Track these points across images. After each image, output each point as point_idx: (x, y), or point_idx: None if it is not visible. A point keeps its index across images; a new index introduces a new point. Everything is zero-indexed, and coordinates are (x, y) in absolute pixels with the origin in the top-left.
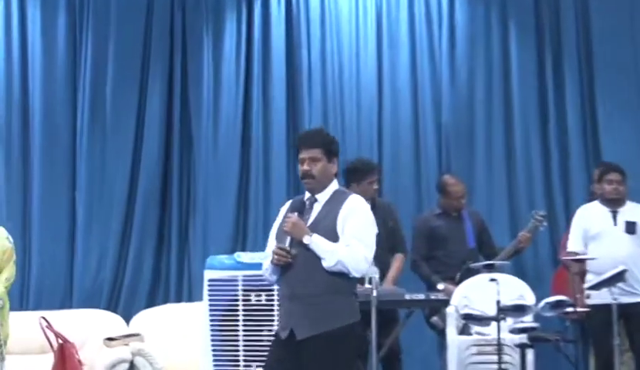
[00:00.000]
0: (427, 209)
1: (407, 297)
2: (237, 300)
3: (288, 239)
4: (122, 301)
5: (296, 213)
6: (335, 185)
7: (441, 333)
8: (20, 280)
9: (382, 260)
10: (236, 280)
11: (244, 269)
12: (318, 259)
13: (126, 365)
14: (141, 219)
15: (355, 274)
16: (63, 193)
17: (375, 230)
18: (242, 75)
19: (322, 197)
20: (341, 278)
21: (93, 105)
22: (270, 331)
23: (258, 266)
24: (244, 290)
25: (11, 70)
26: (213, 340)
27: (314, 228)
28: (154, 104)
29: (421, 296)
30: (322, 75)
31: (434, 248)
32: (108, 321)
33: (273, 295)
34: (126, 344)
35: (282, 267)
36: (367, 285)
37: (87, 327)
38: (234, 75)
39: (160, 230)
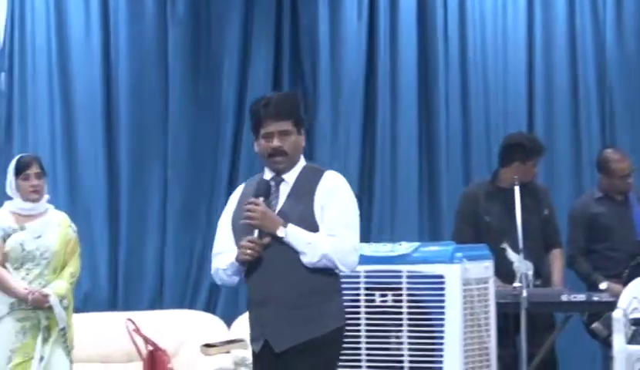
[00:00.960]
0: (586, 192)
1: (563, 298)
2: (358, 300)
3: (256, 232)
4: (223, 301)
5: (262, 199)
6: (302, 161)
7: (605, 342)
8: (106, 276)
9: (536, 255)
10: (357, 277)
11: (367, 263)
12: (295, 253)
13: None
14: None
15: (344, 268)
16: (154, 173)
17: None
18: (365, 31)
19: (290, 177)
20: (324, 275)
21: (186, 72)
22: (398, 337)
23: (384, 260)
24: (367, 289)
25: (93, 34)
26: None
27: (285, 216)
28: (258, 69)
29: (580, 297)
30: (460, 30)
31: (595, 240)
32: (206, 324)
33: (401, 295)
34: (228, 352)
35: (248, 266)
36: (517, 284)
37: (181, 331)
38: (355, 32)
39: None
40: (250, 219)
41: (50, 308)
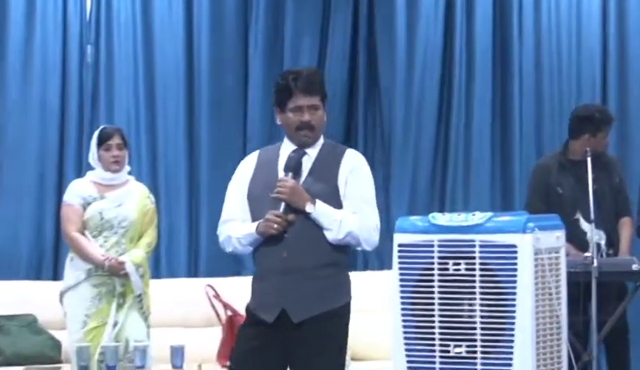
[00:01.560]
0: None
1: (634, 267)
2: (432, 268)
3: (282, 205)
4: None
5: (291, 174)
6: (322, 137)
7: None
8: (186, 243)
9: (609, 225)
10: (431, 246)
11: (440, 232)
12: (319, 228)
13: None
14: None
15: (367, 246)
16: (234, 147)
17: None
18: (442, 7)
19: (312, 152)
20: (341, 250)
21: (266, 49)
22: (471, 305)
23: (458, 229)
24: (441, 258)
25: (176, 9)
26: (404, 314)
27: (309, 191)
28: (336, 46)
29: None
30: (535, 8)
31: None
32: None
33: (474, 264)
34: None
35: (268, 237)
36: (588, 253)
37: None
38: (432, 3)
39: None
40: (280, 193)
41: (126, 275)
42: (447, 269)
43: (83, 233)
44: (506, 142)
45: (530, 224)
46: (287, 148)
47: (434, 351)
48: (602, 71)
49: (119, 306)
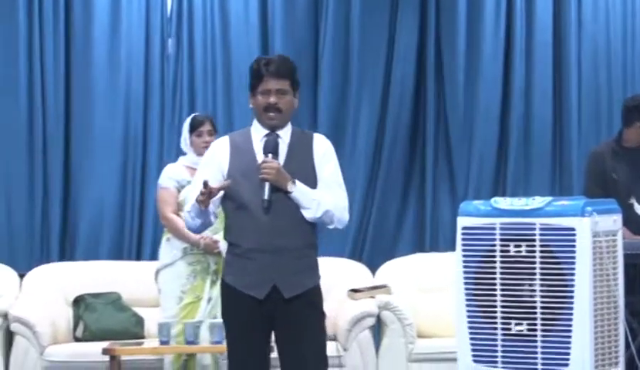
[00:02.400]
0: None
1: None
2: (494, 250)
3: (266, 186)
4: (367, 249)
5: (271, 156)
6: (289, 123)
7: None
8: None
9: None
10: (493, 229)
11: (501, 216)
12: (297, 207)
13: (373, 320)
14: (388, 163)
15: (339, 225)
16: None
17: None
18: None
19: (284, 135)
20: (314, 230)
21: (337, 35)
22: (531, 285)
23: (519, 213)
24: (502, 240)
25: (251, 6)
26: (467, 294)
27: (290, 172)
28: (403, 44)
29: None
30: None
31: None
32: (353, 271)
33: (534, 246)
34: (372, 297)
35: (249, 219)
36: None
37: (331, 276)
38: (493, 4)
39: (409, 174)
40: (266, 174)
41: (219, 254)
42: (509, 251)
43: (178, 214)
44: (564, 131)
45: (589, 208)
46: (257, 131)
47: (496, 328)
48: None
49: (213, 283)
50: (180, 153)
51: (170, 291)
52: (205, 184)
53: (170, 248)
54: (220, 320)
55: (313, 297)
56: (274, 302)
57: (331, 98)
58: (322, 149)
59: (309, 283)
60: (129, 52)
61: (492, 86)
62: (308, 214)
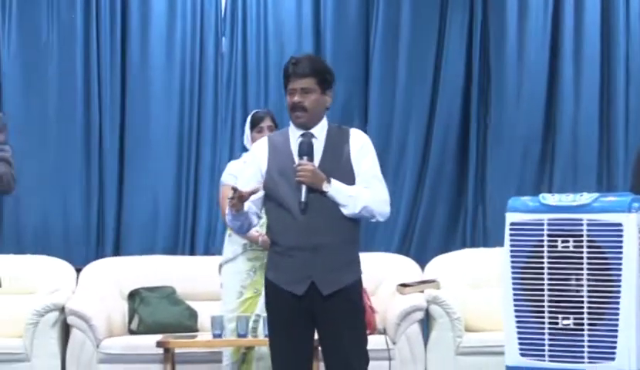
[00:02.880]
0: None
1: None
2: (542, 246)
3: (303, 188)
4: (416, 245)
5: (306, 158)
6: (325, 120)
7: None
8: None
9: None
10: (541, 224)
11: (549, 212)
12: (335, 205)
13: (421, 314)
14: (438, 157)
15: (380, 218)
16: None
17: None
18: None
19: (319, 134)
20: (355, 226)
21: (387, 37)
22: (578, 280)
23: (566, 209)
24: (550, 236)
25: (301, 9)
26: (515, 289)
27: (325, 171)
28: (453, 37)
29: None
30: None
31: None
32: (402, 266)
33: (582, 242)
34: (421, 292)
35: (287, 219)
36: None
37: (380, 271)
38: (541, 8)
39: (457, 170)
40: (302, 177)
41: None
42: (556, 246)
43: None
44: (611, 128)
45: (635, 204)
46: (293, 131)
47: (543, 323)
48: None
49: None
50: (233, 150)
51: (232, 286)
52: (234, 189)
53: (231, 244)
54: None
55: (352, 293)
56: (313, 299)
57: (381, 96)
58: (359, 143)
59: (348, 279)
60: (183, 51)
61: (539, 84)
62: (347, 211)
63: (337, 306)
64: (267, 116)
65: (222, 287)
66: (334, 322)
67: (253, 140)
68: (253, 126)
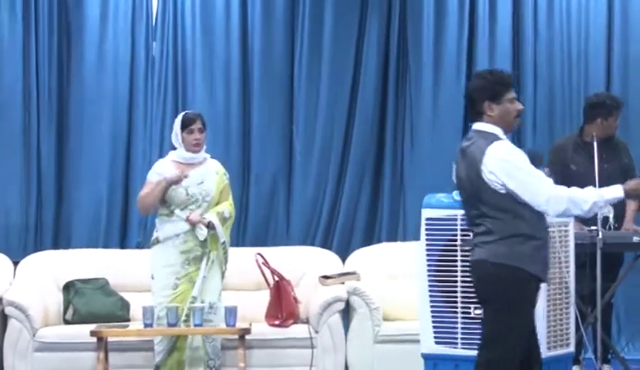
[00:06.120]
0: None
1: (635, 239)
2: (455, 239)
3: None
4: (338, 239)
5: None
6: None
7: None
8: (237, 216)
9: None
10: (454, 220)
11: (462, 208)
12: None
13: (342, 304)
14: (358, 156)
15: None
16: (280, 128)
17: None
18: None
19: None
20: None
21: (311, 39)
22: None
23: None
24: (463, 230)
25: (230, 4)
26: (430, 281)
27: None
28: (372, 36)
29: None
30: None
31: None
32: (324, 259)
33: None
34: (342, 283)
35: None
36: (594, 227)
37: (304, 263)
38: (457, 13)
39: (376, 167)
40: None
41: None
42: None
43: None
44: (520, 129)
45: None
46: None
47: (456, 312)
48: (607, 63)
49: (208, 260)
50: (163, 148)
51: (165, 278)
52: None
53: (161, 223)
54: (200, 304)
55: None
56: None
57: (307, 97)
58: None
59: None
60: (115, 55)
61: (454, 95)
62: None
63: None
64: (197, 118)
65: (153, 278)
66: None
67: (183, 140)
68: (183, 126)
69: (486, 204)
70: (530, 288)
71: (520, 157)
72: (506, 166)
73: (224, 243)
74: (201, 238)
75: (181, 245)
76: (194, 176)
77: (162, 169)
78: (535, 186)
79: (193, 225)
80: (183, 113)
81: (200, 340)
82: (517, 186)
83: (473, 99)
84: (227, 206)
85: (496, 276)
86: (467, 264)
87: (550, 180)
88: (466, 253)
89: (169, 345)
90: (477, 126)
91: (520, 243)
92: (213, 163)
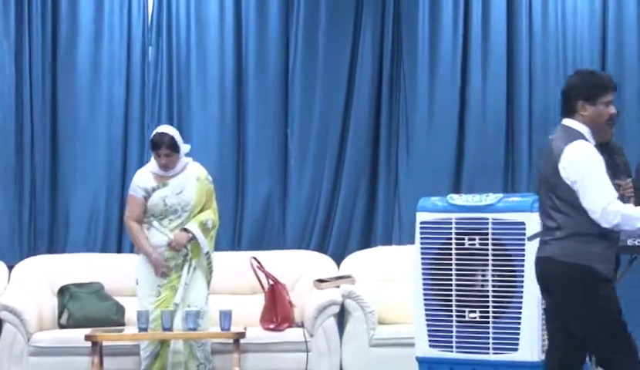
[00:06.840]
0: None
1: (629, 242)
2: (450, 243)
3: None
4: (333, 243)
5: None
6: None
7: None
8: (232, 220)
9: None
10: (449, 223)
11: (457, 211)
12: None
13: (337, 308)
14: (353, 160)
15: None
16: (275, 132)
17: None
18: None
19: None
20: None
21: (306, 43)
22: (484, 276)
23: (473, 208)
24: (458, 233)
25: (224, 10)
26: (424, 284)
27: None
28: (367, 41)
29: None
30: (543, 12)
31: None
32: (319, 263)
33: (487, 239)
34: (337, 287)
35: None
36: None
37: (298, 268)
38: (451, 16)
39: (371, 172)
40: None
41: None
42: (463, 244)
43: (142, 222)
44: (515, 133)
45: (537, 204)
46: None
47: (451, 316)
48: (601, 68)
49: (190, 267)
50: None
51: (148, 285)
52: None
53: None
54: (194, 308)
55: None
56: None
57: (302, 100)
58: None
59: None
60: (111, 59)
61: (450, 95)
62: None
63: None
64: (163, 145)
65: (138, 283)
66: None
67: (154, 158)
68: (152, 148)
69: (560, 198)
70: (603, 287)
71: (593, 162)
72: (577, 167)
73: (207, 253)
74: (183, 254)
75: (161, 254)
76: (173, 186)
77: (144, 182)
78: (594, 194)
79: (179, 250)
80: (153, 133)
81: (180, 344)
82: (579, 189)
83: (568, 96)
84: (211, 215)
85: (566, 273)
86: (463, 267)
87: (614, 193)
88: (461, 257)
89: (155, 350)
90: (566, 121)
91: (588, 243)
92: (193, 169)
